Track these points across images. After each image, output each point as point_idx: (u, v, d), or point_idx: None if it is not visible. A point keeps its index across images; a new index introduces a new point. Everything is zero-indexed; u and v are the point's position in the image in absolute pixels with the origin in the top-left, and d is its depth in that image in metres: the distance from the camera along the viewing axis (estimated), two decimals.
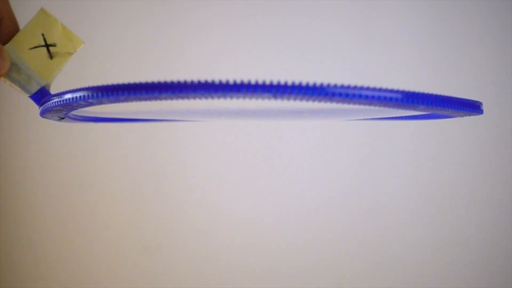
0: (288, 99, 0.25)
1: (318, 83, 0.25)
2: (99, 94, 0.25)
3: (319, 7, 0.90)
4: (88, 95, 0.25)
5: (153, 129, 0.93)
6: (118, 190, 0.95)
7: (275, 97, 0.24)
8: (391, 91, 0.25)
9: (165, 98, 0.24)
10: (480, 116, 0.29)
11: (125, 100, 0.25)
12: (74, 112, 0.34)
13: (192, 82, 0.24)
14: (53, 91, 0.34)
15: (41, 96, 0.35)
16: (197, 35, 0.92)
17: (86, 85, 0.26)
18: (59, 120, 0.35)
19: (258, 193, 0.92)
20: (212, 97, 0.24)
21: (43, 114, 0.32)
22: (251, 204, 0.92)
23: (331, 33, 0.90)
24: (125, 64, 0.94)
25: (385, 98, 0.25)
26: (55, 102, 0.28)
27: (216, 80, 0.24)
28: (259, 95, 0.25)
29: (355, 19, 0.89)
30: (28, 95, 0.35)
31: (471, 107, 0.27)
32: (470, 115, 0.28)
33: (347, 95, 0.25)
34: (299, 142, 0.91)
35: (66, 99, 0.27)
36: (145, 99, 0.25)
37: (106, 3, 0.95)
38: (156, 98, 0.24)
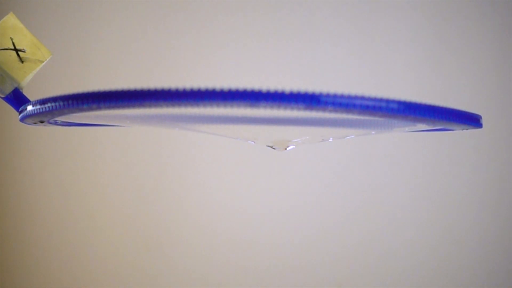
0: (277, 108, 0.24)
1: (310, 91, 0.24)
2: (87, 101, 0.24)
3: (318, 12, 0.90)
4: (72, 103, 0.24)
5: (152, 128, 0.92)
6: (118, 189, 0.94)
7: (257, 105, 0.24)
8: (387, 100, 0.24)
9: (155, 106, 0.23)
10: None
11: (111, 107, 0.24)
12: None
13: (184, 89, 0.23)
14: (60, 91, 0.33)
15: (14, 97, 0.35)
16: (194, 42, 0.92)
17: (86, 89, 0.25)
18: (40, 124, 0.34)
19: (258, 193, 0.92)
20: (203, 105, 0.23)
21: (23, 119, 0.31)
22: (251, 203, 0.93)
23: (330, 42, 0.90)
24: (126, 69, 0.93)
25: (380, 108, 0.24)
26: (34, 110, 0.26)
27: (209, 88, 0.23)
28: (248, 104, 0.24)
29: (354, 26, 0.90)
30: (3, 96, 0.35)
31: (469, 120, 0.26)
32: (467, 129, 0.27)
33: (339, 104, 0.24)
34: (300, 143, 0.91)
35: (46, 107, 0.25)
36: (132, 107, 0.24)
37: (109, 8, 0.93)
38: (145, 106, 0.23)
